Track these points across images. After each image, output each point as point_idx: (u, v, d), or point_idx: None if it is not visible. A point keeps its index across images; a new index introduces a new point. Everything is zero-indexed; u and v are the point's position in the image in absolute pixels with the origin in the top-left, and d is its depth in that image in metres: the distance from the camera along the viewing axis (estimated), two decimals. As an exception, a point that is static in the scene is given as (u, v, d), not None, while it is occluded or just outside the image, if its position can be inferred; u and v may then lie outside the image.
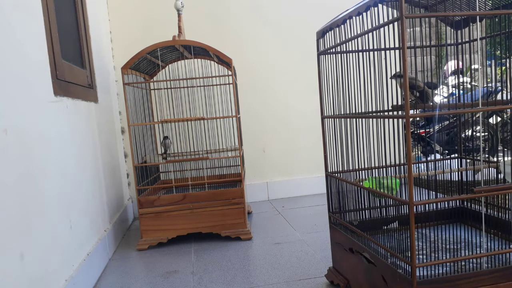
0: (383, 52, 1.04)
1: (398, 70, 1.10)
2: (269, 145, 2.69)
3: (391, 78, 1.07)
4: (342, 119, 1.21)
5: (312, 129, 2.66)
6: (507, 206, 1.18)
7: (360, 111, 1.14)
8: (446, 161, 1.36)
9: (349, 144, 1.18)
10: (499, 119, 3.12)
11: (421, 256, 1.09)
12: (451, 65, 3.39)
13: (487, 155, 2.71)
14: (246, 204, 2.07)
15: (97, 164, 1.78)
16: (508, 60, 1.04)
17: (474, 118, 2.77)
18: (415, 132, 3.04)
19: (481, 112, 1.29)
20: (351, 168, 1.21)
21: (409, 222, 0.87)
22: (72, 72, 1.54)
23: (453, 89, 3.07)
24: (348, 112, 1.17)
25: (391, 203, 1.18)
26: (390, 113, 1.13)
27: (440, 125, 3.00)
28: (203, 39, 2.31)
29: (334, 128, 1.26)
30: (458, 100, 1.33)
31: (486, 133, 3.05)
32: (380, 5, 0.92)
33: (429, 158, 2.19)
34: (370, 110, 1.11)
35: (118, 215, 2.06)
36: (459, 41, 1.26)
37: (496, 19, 1.12)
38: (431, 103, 1.22)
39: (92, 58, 1.89)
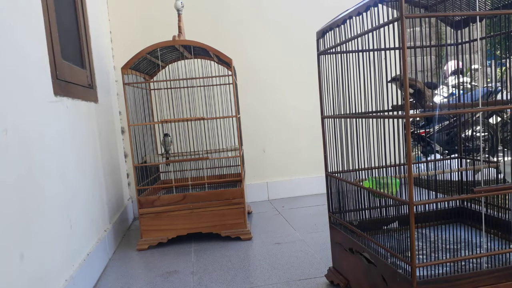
0: (383, 52, 1.04)
1: (396, 73, 1.10)
2: (269, 145, 2.69)
3: (389, 82, 1.07)
4: (342, 119, 1.21)
5: (312, 129, 2.66)
6: (507, 206, 1.17)
7: (360, 111, 1.14)
8: (446, 161, 1.36)
9: (349, 144, 1.18)
10: (499, 119, 3.12)
11: (421, 256, 1.09)
12: (451, 65, 3.39)
13: (487, 155, 2.71)
14: (246, 204, 2.07)
15: (97, 164, 1.78)
16: (508, 60, 1.04)
17: (474, 118, 2.77)
18: (415, 132, 3.04)
19: (481, 112, 1.29)
20: (351, 168, 1.21)
21: (409, 222, 0.87)
22: (72, 72, 1.54)
23: (453, 89, 3.07)
24: (348, 112, 1.17)
25: (391, 203, 1.18)
26: (390, 113, 1.13)
27: (440, 125, 3.00)
28: (203, 39, 2.31)
29: (334, 128, 1.26)
30: (458, 100, 1.33)
31: (486, 133, 3.05)
32: (380, 5, 0.92)
33: (429, 158, 2.19)
34: (370, 110, 1.11)
35: (118, 215, 2.06)
36: (459, 41, 1.26)
37: (495, 19, 1.12)
38: (429, 103, 1.22)
39: (92, 58, 1.89)
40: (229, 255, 1.73)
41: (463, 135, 2.69)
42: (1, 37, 0.99)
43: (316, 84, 2.46)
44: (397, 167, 1.23)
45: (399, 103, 1.11)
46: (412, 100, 1.19)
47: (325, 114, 1.31)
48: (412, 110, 1.17)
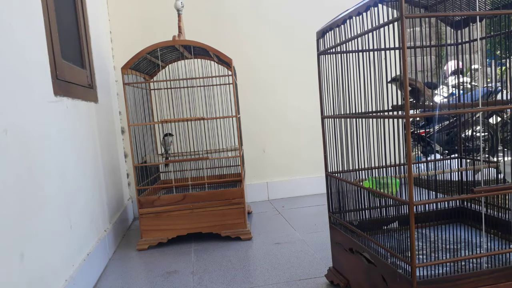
0: (383, 52, 1.04)
1: (396, 73, 1.10)
2: (269, 145, 2.69)
3: (389, 82, 1.07)
4: (342, 119, 1.21)
5: (312, 129, 2.66)
6: (507, 206, 1.18)
7: (360, 111, 1.14)
8: (446, 161, 1.36)
9: (349, 144, 1.18)
10: (499, 119, 3.12)
11: (421, 256, 1.09)
12: (451, 65, 3.39)
13: (487, 155, 2.71)
14: (246, 204, 2.07)
15: (97, 164, 1.78)
16: (508, 60, 1.04)
17: (474, 118, 2.77)
18: (415, 132, 3.04)
19: (481, 112, 1.29)
20: (351, 168, 1.21)
21: (409, 222, 0.87)
22: (72, 72, 1.54)
23: (453, 89, 3.07)
24: (348, 112, 1.17)
25: (391, 203, 1.18)
26: (390, 113, 1.13)
27: (440, 125, 3.00)
28: (203, 39, 2.31)
29: (334, 128, 1.26)
30: (458, 100, 1.33)
31: (486, 133, 3.05)
32: (380, 5, 0.92)
33: (429, 158, 2.19)
34: (370, 110, 1.11)
35: (118, 215, 2.06)
36: (459, 41, 1.26)
37: (495, 19, 1.12)
38: (427, 102, 1.22)
39: (92, 58, 1.89)
40: (229, 255, 1.73)
41: (463, 135, 2.69)
42: (1, 37, 0.99)
43: (316, 84, 2.46)
44: (397, 167, 1.23)
45: (399, 103, 1.11)
46: (411, 100, 1.19)
47: (325, 114, 1.31)
48: (412, 110, 1.17)
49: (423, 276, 0.91)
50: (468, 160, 1.33)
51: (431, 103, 1.26)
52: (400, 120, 0.92)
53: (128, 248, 1.91)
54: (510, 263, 0.94)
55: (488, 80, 2.99)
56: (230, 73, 2.13)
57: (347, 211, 1.24)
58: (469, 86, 2.99)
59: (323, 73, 1.29)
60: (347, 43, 1.10)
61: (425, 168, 1.52)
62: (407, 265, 0.91)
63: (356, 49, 1.06)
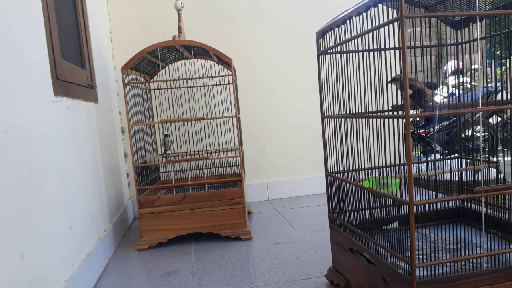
0: (383, 52, 1.04)
1: (396, 73, 1.10)
2: (269, 145, 2.69)
3: (389, 82, 1.07)
4: (342, 119, 1.21)
5: (312, 129, 2.66)
6: (507, 206, 1.18)
7: (360, 111, 1.14)
8: (446, 161, 1.36)
9: (349, 144, 1.18)
10: (499, 119, 3.12)
11: (421, 256, 1.09)
12: (451, 65, 3.39)
13: (487, 155, 2.71)
14: (246, 204, 2.07)
15: (97, 164, 1.78)
16: (508, 60, 1.04)
17: (474, 118, 2.77)
18: (415, 132, 3.04)
19: (481, 112, 1.29)
20: (351, 168, 1.21)
21: (409, 222, 0.87)
22: (72, 72, 1.54)
23: (453, 89, 3.07)
24: (348, 112, 1.17)
25: (391, 203, 1.18)
26: (390, 113, 1.13)
27: (440, 125, 3.00)
28: (203, 39, 2.31)
29: (334, 128, 1.26)
30: (458, 100, 1.33)
31: (486, 133, 3.05)
32: (380, 5, 0.92)
33: (429, 158, 2.19)
34: (370, 110, 1.11)
35: (118, 215, 2.06)
36: (459, 41, 1.26)
37: (496, 19, 1.12)
38: (430, 103, 1.22)
39: (92, 58, 1.89)
40: (229, 255, 1.73)
41: (463, 135, 2.69)
42: (1, 37, 0.99)
43: (316, 84, 2.46)
44: (397, 167, 1.23)
45: (399, 103, 1.11)
46: (410, 101, 1.18)
47: (325, 114, 1.31)
48: (412, 110, 1.17)
49: (423, 276, 0.91)
50: (468, 160, 1.33)
51: (431, 103, 1.26)
52: (400, 120, 0.92)
53: (128, 248, 1.91)
54: (510, 263, 0.94)
55: (488, 80, 2.99)
56: (230, 73, 2.13)
57: (347, 211, 1.24)
58: (469, 86, 2.99)
59: (323, 73, 1.29)
60: (347, 43, 1.10)
61: (425, 168, 1.52)
62: (407, 265, 0.91)
63: (356, 49, 1.06)
